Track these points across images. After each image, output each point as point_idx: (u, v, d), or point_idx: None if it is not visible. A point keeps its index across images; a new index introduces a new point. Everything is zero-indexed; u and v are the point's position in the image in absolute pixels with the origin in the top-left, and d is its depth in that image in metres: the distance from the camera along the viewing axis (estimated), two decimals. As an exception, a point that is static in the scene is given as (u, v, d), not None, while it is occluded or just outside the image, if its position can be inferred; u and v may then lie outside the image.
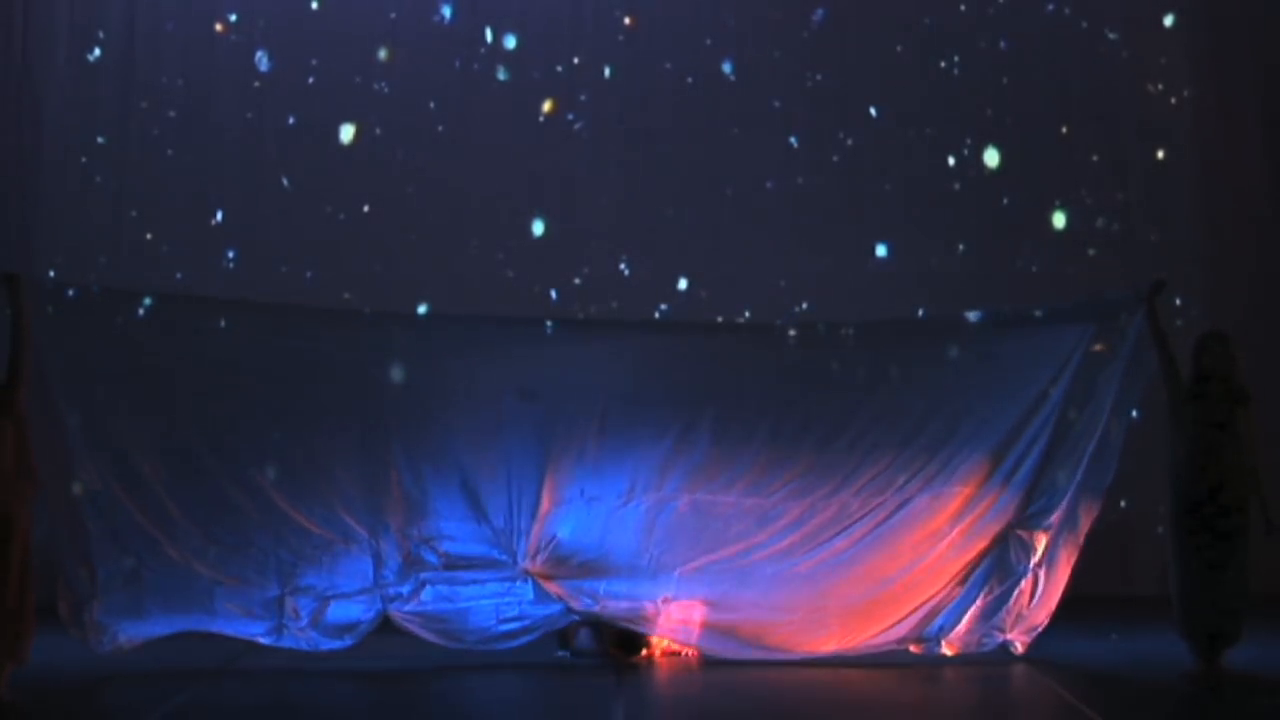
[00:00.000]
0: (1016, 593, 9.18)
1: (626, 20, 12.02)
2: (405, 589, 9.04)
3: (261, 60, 11.81)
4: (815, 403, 9.27)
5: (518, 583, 9.11)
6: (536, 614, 9.13)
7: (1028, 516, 9.18)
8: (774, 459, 9.23)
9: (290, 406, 9.03)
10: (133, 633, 8.78)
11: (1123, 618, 9.73)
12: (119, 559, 8.76)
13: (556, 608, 9.12)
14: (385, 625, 9.06)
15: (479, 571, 9.10)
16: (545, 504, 9.14)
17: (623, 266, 11.90)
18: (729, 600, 9.22)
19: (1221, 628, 8.60)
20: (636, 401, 9.22)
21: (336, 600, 9.02)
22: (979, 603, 9.18)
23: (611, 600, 9.13)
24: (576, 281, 11.85)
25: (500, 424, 9.16)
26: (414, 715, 8.31)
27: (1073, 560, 9.17)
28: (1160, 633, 9.15)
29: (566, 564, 9.15)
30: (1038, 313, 9.53)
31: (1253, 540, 8.68)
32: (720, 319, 11.70)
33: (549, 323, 9.72)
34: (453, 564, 9.09)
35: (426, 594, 9.08)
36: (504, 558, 9.10)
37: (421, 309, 11.47)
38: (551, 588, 9.09)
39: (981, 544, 9.19)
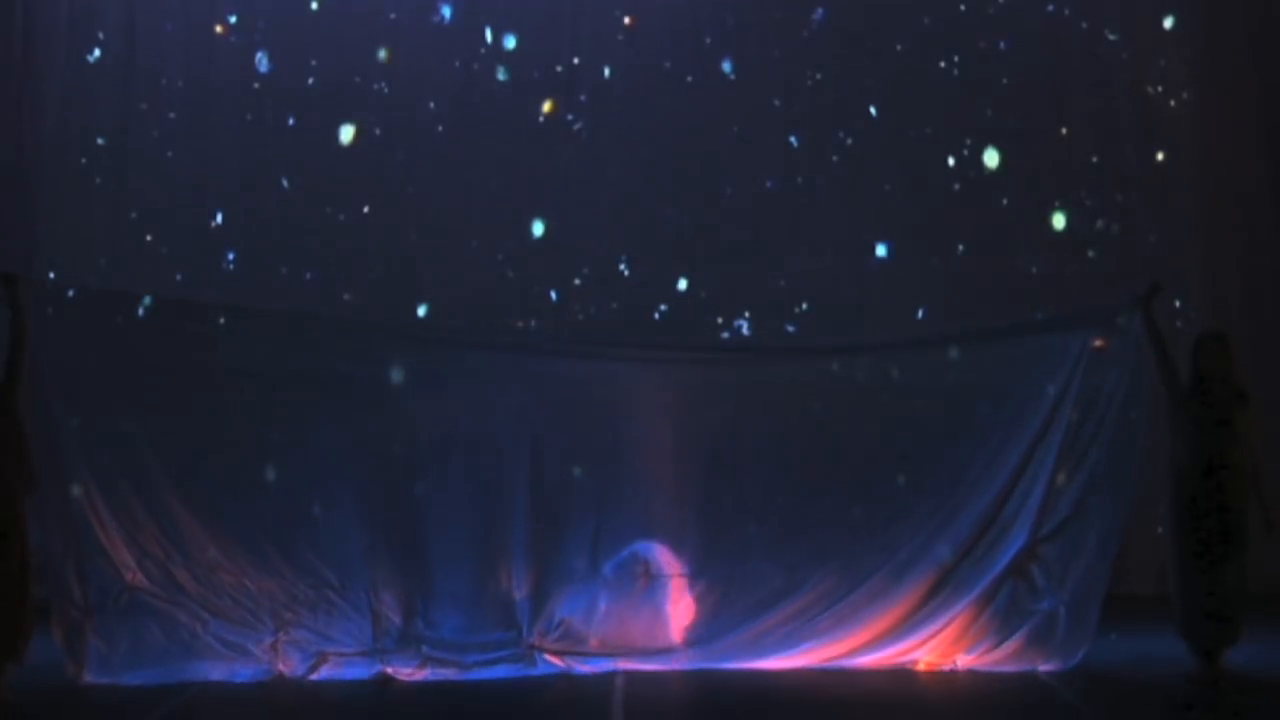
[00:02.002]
0: (1043, 629, 8.99)
1: (626, 20, 11.99)
2: (407, 663, 8.82)
3: (261, 61, 11.79)
4: (826, 459, 9.21)
5: (524, 663, 8.91)
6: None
7: (1041, 540, 9.04)
8: (790, 524, 9.16)
9: (290, 420, 8.96)
10: (122, 680, 8.60)
11: (1122, 618, 9.72)
12: (113, 575, 8.64)
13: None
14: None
15: (484, 653, 8.89)
16: (554, 579, 9.01)
17: (622, 267, 11.87)
18: (743, 655, 9.10)
19: (1221, 628, 8.61)
20: (648, 479, 9.18)
21: (335, 658, 8.82)
22: (1003, 636, 9.03)
23: (626, 665, 9.01)
24: (576, 282, 11.82)
25: (506, 481, 9.05)
26: (415, 713, 8.31)
27: (1101, 593, 8.99)
28: (1160, 633, 9.15)
29: (581, 643, 9.01)
30: (1039, 315, 9.50)
31: (1253, 540, 8.69)
32: (720, 320, 11.75)
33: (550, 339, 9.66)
34: (456, 642, 8.89)
35: (429, 672, 8.85)
36: (508, 635, 8.94)
37: (421, 310, 11.50)
38: (562, 663, 8.95)
39: (997, 574, 9.05)
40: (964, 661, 9.04)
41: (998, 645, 9.03)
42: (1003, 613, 9.04)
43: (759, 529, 9.19)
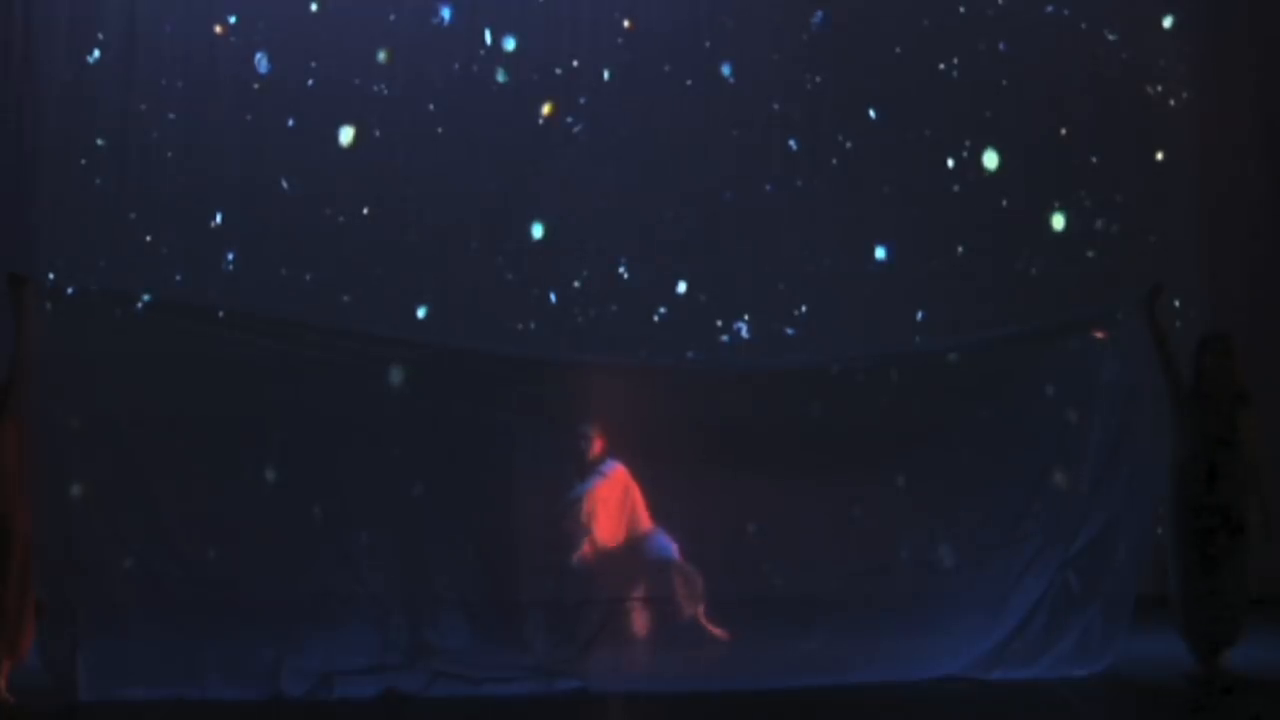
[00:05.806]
0: (1082, 639, 8.91)
1: (626, 23, 12.00)
2: (415, 682, 8.54)
3: (261, 62, 11.79)
4: (826, 459, 9.13)
5: (540, 681, 8.61)
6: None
7: (1078, 552, 8.94)
8: (788, 524, 9.10)
9: (294, 421, 8.90)
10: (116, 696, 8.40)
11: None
12: (109, 584, 8.49)
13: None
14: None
15: (499, 672, 8.62)
16: (576, 599, 8.93)
17: (622, 270, 11.88)
18: (747, 669, 8.93)
19: (1221, 628, 8.62)
20: (648, 481, 9.18)
21: (341, 678, 8.52)
22: (1045, 651, 8.91)
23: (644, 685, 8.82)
24: (576, 285, 11.82)
25: (521, 490, 9.02)
26: (415, 714, 8.29)
27: (1132, 596, 8.90)
28: (1160, 633, 9.13)
29: (609, 670, 8.77)
30: (1039, 320, 9.50)
31: (1253, 540, 8.69)
32: (719, 323, 11.75)
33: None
34: (467, 658, 8.65)
35: (440, 687, 8.60)
36: (527, 660, 8.72)
37: (421, 312, 11.49)
38: (581, 681, 8.72)
39: (1038, 592, 8.96)
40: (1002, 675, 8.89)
41: (1038, 660, 8.89)
42: (1044, 629, 8.92)
43: (757, 530, 9.18)
